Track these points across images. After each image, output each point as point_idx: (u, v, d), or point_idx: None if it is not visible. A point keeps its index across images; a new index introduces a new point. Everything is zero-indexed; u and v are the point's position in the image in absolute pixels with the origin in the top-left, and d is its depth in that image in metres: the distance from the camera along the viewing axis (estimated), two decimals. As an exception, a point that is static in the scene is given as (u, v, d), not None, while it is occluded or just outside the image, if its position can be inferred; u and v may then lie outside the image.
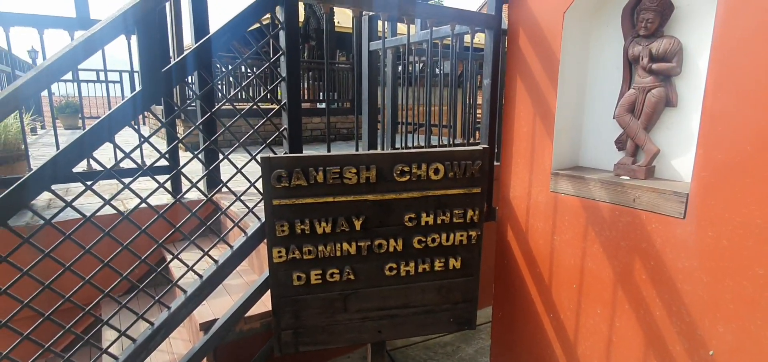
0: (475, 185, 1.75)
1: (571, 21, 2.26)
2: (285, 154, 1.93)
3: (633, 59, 2.13)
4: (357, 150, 2.82)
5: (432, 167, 1.65)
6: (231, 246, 1.94)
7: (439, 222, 1.72)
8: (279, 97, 1.94)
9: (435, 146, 2.95)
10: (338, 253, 1.64)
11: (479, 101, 4.98)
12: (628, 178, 2.16)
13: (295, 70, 1.87)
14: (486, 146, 1.90)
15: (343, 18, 10.58)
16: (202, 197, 2.59)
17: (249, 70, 7.93)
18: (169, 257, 1.97)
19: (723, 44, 1.69)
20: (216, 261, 1.91)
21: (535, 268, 2.60)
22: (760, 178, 1.62)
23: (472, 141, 3.74)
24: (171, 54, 4.23)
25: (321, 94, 9.22)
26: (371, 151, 1.87)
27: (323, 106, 9.24)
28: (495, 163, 3.12)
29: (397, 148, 3.54)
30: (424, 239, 1.70)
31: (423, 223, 1.69)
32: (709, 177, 1.77)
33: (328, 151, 2.26)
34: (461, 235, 1.76)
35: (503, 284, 2.80)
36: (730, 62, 1.67)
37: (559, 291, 2.47)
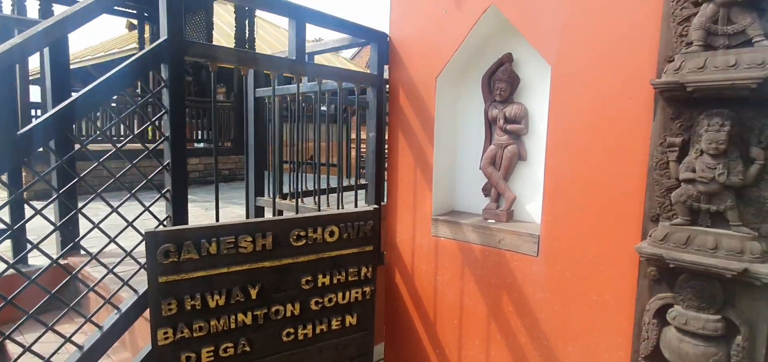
0: (368, 243, 1.85)
1: (442, 84, 2.57)
2: (168, 195, 1.79)
3: (492, 120, 2.50)
4: (247, 196, 2.73)
5: (327, 230, 1.70)
6: (99, 327, 1.71)
7: (335, 281, 1.76)
8: (158, 133, 1.79)
9: (324, 189, 3.01)
10: (233, 325, 1.55)
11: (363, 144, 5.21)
12: (493, 221, 2.50)
13: (180, 103, 1.75)
14: (376, 206, 2.02)
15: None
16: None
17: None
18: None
19: (555, 113, 2.10)
20: (79, 347, 1.66)
21: (421, 308, 2.79)
22: (590, 220, 2.03)
23: (360, 181, 3.88)
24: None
25: (199, 133, 8.60)
26: (268, 218, 1.85)
27: (201, 145, 8.62)
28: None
29: (286, 193, 3.51)
30: (321, 300, 1.72)
31: (319, 285, 1.72)
32: (554, 220, 2.16)
33: (216, 195, 2.15)
34: (356, 292, 1.83)
35: (393, 325, 2.94)
36: (562, 127, 2.09)
37: (443, 327, 2.68)
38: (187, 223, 1.82)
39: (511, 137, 2.43)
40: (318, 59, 4.03)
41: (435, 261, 2.68)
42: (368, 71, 2.78)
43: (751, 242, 1.54)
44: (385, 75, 2.81)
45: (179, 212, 1.82)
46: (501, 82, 2.39)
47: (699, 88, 1.52)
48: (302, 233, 1.67)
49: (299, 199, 2.94)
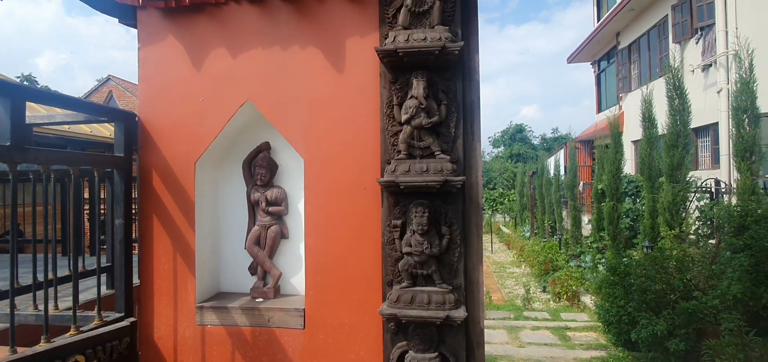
0: None
1: (202, 169, 2.53)
2: None
3: (254, 202, 2.61)
4: None
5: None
6: None
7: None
8: None
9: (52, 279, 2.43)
10: None
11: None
12: (262, 299, 2.57)
13: None
14: (133, 320, 1.81)
15: None
16: None
17: None
18: None
19: (309, 198, 2.38)
20: None
21: (189, 405, 2.57)
22: (344, 291, 2.35)
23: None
24: None
25: None
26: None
27: None
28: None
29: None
30: None
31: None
32: (316, 294, 2.40)
33: None
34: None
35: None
36: (316, 211, 2.37)
37: (215, 420, 2.54)
38: None
39: (274, 218, 2.59)
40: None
41: (202, 352, 2.53)
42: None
43: (449, 295, 2.12)
44: (134, 156, 2.55)
45: None
46: (261, 167, 2.54)
47: (407, 186, 2.04)
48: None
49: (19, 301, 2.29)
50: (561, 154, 16.21)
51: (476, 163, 2.20)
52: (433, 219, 2.12)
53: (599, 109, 18.25)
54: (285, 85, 2.36)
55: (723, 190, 8.15)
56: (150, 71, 2.50)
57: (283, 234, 2.62)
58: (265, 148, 2.57)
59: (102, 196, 4.51)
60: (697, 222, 6.87)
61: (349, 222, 2.32)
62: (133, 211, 2.64)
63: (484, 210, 25.88)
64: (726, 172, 9.29)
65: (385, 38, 2.13)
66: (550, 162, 17.23)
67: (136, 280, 2.60)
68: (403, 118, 2.10)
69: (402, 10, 2.10)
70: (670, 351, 4.57)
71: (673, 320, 4.65)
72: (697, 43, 11.19)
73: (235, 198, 2.71)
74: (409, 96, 2.10)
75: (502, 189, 29.97)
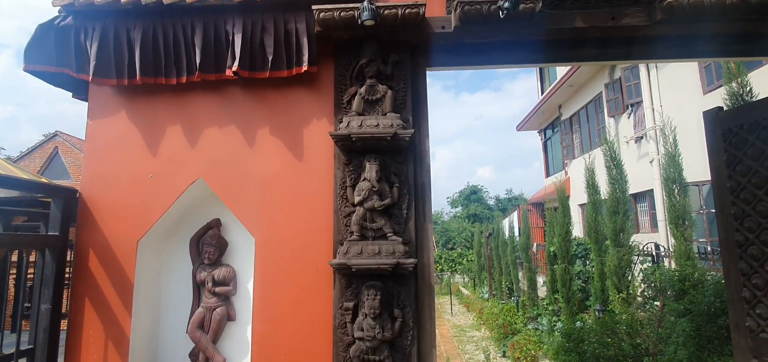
0: None
1: (145, 248, 2.40)
2: None
3: (200, 282, 2.49)
4: None
5: None
6: None
7: None
8: None
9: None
10: None
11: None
12: (204, 389, 2.39)
13: None
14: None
15: None
16: None
17: None
18: None
19: (259, 280, 2.30)
20: None
21: None
22: (292, 378, 2.24)
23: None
24: None
25: None
26: None
27: None
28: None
29: None
30: None
31: None
32: (263, 382, 2.26)
33: None
34: None
35: None
36: (265, 294, 2.29)
37: None
38: None
39: (220, 299, 2.47)
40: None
41: None
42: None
43: (401, 380, 2.07)
44: (69, 234, 2.39)
45: None
46: (209, 246, 2.44)
47: (360, 269, 2.03)
48: None
49: None
50: (515, 215, 16.81)
51: (428, 244, 2.24)
52: (385, 302, 2.10)
53: (547, 174, 19.32)
54: (239, 164, 2.35)
55: (662, 254, 8.66)
56: (98, 147, 2.42)
57: (229, 317, 2.49)
58: (215, 225, 2.49)
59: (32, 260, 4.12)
60: (642, 284, 7.22)
61: (299, 305, 2.25)
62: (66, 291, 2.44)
63: (444, 271, 25.97)
64: (664, 236, 9.94)
65: (340, 123, 2.19)
66: (505, 223, 17.77)
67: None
68: (356, 199, 2.13)
69: (356, 98, 2.19)
70: (626, 419, 4.61)
71: (625, 387, 4.73)
72: (628, 117, 12.29)
73: (179, 278, 2.57)
74: (362, 178, 2.14)
75: (461, 249, 30.36)
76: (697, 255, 7.31)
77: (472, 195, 40.61)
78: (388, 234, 2.12)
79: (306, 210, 2.28)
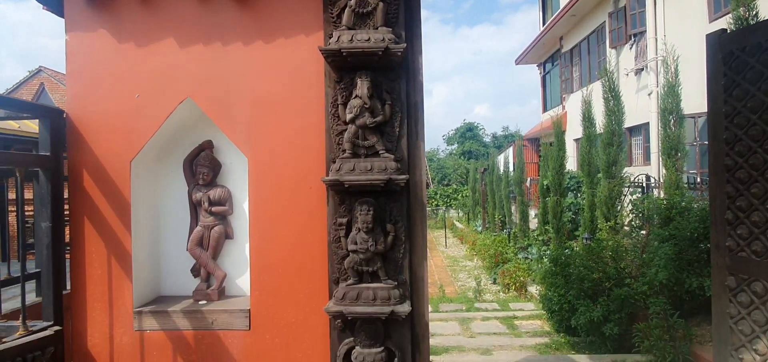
0: None
1: (138, 168, 2.41)
2: None
3: (196, 202, 2.53)
4: None
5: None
6: None
7: None
8: None
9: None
10: None
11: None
12: (205, 302, 2.50)
13: None
14: (58, 328, 1.70)
15: None
16: None
17: None
18: None
19: (254, 198, 2.34)
20: None
21: (128, 415, 2.46)
22: (289, 291, 2.34)
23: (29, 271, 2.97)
24: None
25: None
26: None
27: None
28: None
29: None
30: None
31: None
32: (261, 294, 2.37)
33: None
34: None
35: None
36: (261, 211, 2.34)
37: (156, 429, 2.45)
38: None
39: (217, 218, 2.53)
40: None
41: (141, 359, 2.43)
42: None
43: (394, 290, 2.17)
44: (62, 155, 2.39)
45: None
46: (203, 167, 2.46)
47: (352, 184, 2.06)
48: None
49: None
50: (510, 151, 16.90)
51: (420, 162, 2.26)
52: (378, 217, 2.15)
53: (545, 109, 19.17)
54: (227, 82, 2.31)
55: (653, 185, 8.82)
56: (79, 65, 2.36)
57: (227, 235, 2.56)
58: (208, 146, 2.49)
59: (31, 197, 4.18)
60: (630, 214, 7.42)
61: (294, 222, 2.31)
62: (66, 214, 2.48)
63: (439, 206, 26.44)
64: (656, 169, 10.07)
65: (330, 38, 2.14)
66: (500, 159, 17.89)
67: (68, 287, 2.44)
68: (348, 117, 2.12)
69: (346, 11, 2.11)
70: (606, 335, 4.91)
71: (608, 306, 5.00)
72: (631, 48, 12.02)
73: (176, 199, 2.62)
74: (353, 95, 2.12)
75: (456, 185, 30.74)
76: (686, 185, 7.46)
77: (467, 133, 40.50)
78: (380, 152, 2.13)
79: (298, 129, 2.28)
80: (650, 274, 5.01)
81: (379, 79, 2.15)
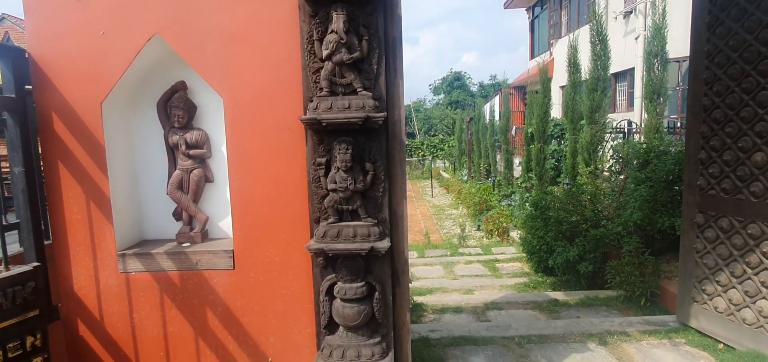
0: (31, 308, 1.54)
1: (110, 110, 2.35)
2: None
3: (173, 146, 2.50)
4: None
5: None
6: None
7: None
8: None
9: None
10: None
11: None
12: (189, 244, 2.53)
13: None
14: (37, 264, 1.71)
15: None
16: None
17: None
18: None
19: (231, 139, 2.32)
20: None
21: (119, 353, 2.52)
22: (271, 231, 2.37)
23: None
24: None
25: None
26: None
27: None
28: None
29: None
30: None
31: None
32: (243, 235, 2.40)
33: None
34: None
35: (84, 385, 2.54)
36: (239, 152, 2.32)
37: (147, 365, 2.53)
38: None
39: (196, 161, 2.50)
40: None
41: (128, 299, 2.47)
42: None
43: (373, 227, 2.21)
44: (29, 97, 2.31)
45: None
46: (177, 109, 2.41)
47: (330, 123, 2.05)
48: None
49: None
50: (496, 100, 16.84)
51: (399, 100, 2.24)
52: (357, 156, 2.16)
53: (532, 56, 18.97)
54: (197, 17, 2.22)
55: (634, 130, 8.96)
56: (37, 1, 2.23)
57: (207, 178, 2.55)
58: (181, 87, 2.43)
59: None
60: (610, 159, 7.56)
61: (273, 162, 2.30)
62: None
63: (425, 156, 26.54)
64: (638, 114, 10.18)
65: (303, -32, 2.05)
66: (486, 108, 17.85)
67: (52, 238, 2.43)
68: (324, 53, 2.07)
69: (319, -61, 2.01)
70: (581, 273, 5.13)
71: (584, 246, 5.20)
72: (620, -10, 11.79)
73: (153, 142, 2.57)
74: (329, 30, 2.06)
75: (443, 135, 30.75)
76: (666, 129, 7.59)
77: (455, 82, 40.02)
78: (358, 90, 2.10)
79: (274, 67, 2.23)
80: (625, 215, 5.18)
81: (355, 13, 2.09)
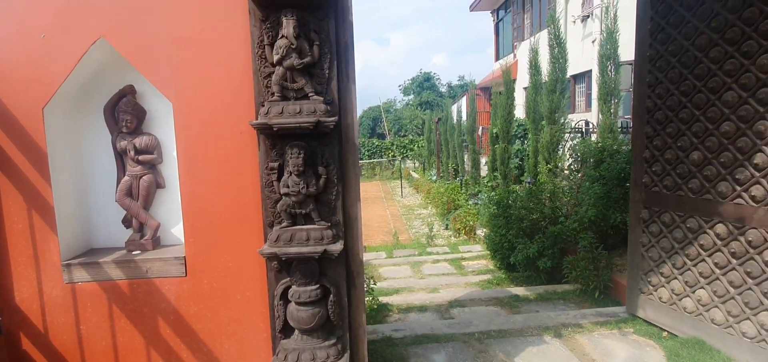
0: None
1: (53, 116, 2.27)
2: None
3: (121, 151, 2.43)
4: None
5: None
6: None
7: None
8: None
9: None
10: None
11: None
12: (139, 252, 2.47)
13: None
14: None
15: None
16: None
17: None
18: None
19: (182, 144, 2.28)
20: None
21: (65, 366, 2.44)
22: (224, 236, 2.35)
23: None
24: None
25: None
26: None
27: None
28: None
29: None
30: None
31: None
32: (195, 241, 2.36)
33: None
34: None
35: (27, 402, 2.44)
36: (190, 157, 2.29)
37: (96, 378, 2.46)
38: None
39: (146, 167, 2.45)
40: None
41: (74, 310, 2.39)
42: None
43: (327, 230, 2.23)
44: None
45: None
46: (125, 113, 2.35)
47: (282, 128, 2.05)
48: None
49: None
50: (464, 100, 17.14)
51: (351, 104, 2.27)
52: (309, 160, 2.17)
53: (497, 57, 19.42)
54: (145, 21, 2.17)
55: (591, 130, 9.34)
56: (-29, 0, 2.13)
57: (158, 184, 2.50)
58: (129, 91, 2.37)
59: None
60: (569, 158, 7.86)
61: (226, 167, 2.29)
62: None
63: (395, 157, 26.68)
64: (596, 115, 10.61)
65: (252, -28, 2.04)
66: (454, 108, 18.15)
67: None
68: (275, 58, 2.07)
69: (267, -57, 2.01)
70: (541, 269, 5.32)
71: (543, 243, 5.38)
72: (578, -5, 12.25)
73: (101, 149, 2.50)
74: (279, 35, 2.07)
75: (413, 136, 31.00)
76: (619, 129, 7.95)
77: (425, 83, 40.43)
78: (309, 94, 2.12)
79: (224, 72, 2.21)
80: (581, 212, 5.40)
81: (306, 18, 2.10)
